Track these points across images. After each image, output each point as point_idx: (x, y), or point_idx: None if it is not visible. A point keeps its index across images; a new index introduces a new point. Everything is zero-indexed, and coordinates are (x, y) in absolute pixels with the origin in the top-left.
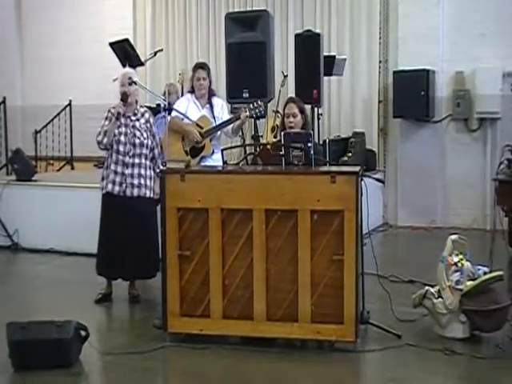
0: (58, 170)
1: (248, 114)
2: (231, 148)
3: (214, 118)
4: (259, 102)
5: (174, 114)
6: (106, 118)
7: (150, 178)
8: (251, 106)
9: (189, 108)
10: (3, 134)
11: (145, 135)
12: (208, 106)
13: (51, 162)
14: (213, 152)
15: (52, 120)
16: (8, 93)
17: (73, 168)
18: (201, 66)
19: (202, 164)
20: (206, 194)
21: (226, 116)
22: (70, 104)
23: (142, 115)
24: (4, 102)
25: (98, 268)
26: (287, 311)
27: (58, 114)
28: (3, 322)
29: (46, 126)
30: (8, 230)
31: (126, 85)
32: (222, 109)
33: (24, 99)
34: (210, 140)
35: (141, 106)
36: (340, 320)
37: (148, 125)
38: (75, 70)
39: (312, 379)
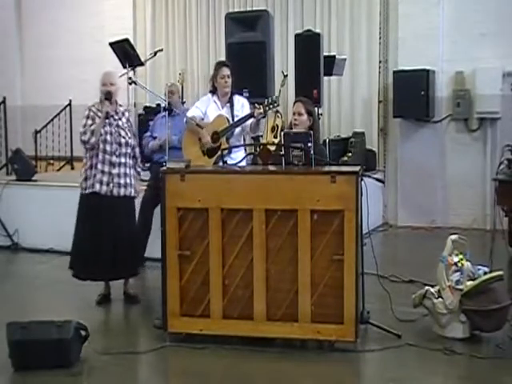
0: (58, 170)
1: (262, 110)
2: (231, 148)
3: (233, 116)
4: (273, 98)
5: (189, 114)
6: (88, 117)
7: (133, 177)
8: (266, 102)
9: (209, 108)
10: (3, 133)
11: (129, 134)
12: (228, 104)
13: (51, 161)
14: (230, 151)
15: (52, 120)
16: (8, 93)
17: (73, 168)
18: (224, 63)
19: (219, 164)
20: (206, 194)
21: None
22: (69, 104)
23: (123, 114)
24: (4, 101)
25: (84, 272)
26: (287, 311)
27: (58, 113)
28: (3, 322)
29: (45, 125)
30: (8, 230)
31: (108, 84)
32: (242, 107)
33: (24, 99)
34: (227, 139)
35: (120, 105)
36: (340, 320)
37: (129, 124)
38: (75, 70)
39: (312, 379)
